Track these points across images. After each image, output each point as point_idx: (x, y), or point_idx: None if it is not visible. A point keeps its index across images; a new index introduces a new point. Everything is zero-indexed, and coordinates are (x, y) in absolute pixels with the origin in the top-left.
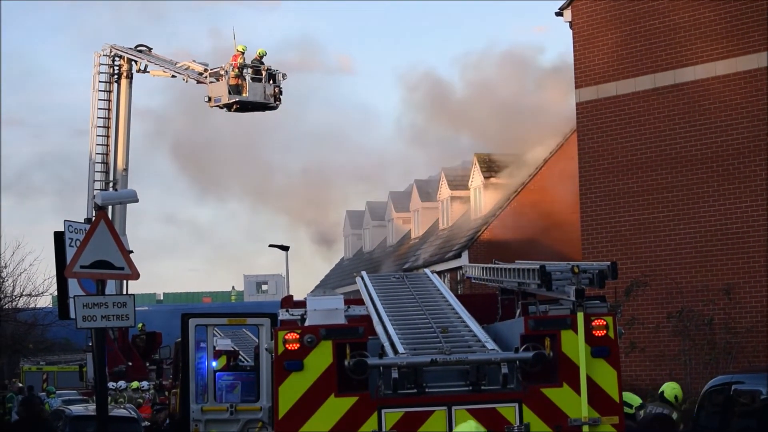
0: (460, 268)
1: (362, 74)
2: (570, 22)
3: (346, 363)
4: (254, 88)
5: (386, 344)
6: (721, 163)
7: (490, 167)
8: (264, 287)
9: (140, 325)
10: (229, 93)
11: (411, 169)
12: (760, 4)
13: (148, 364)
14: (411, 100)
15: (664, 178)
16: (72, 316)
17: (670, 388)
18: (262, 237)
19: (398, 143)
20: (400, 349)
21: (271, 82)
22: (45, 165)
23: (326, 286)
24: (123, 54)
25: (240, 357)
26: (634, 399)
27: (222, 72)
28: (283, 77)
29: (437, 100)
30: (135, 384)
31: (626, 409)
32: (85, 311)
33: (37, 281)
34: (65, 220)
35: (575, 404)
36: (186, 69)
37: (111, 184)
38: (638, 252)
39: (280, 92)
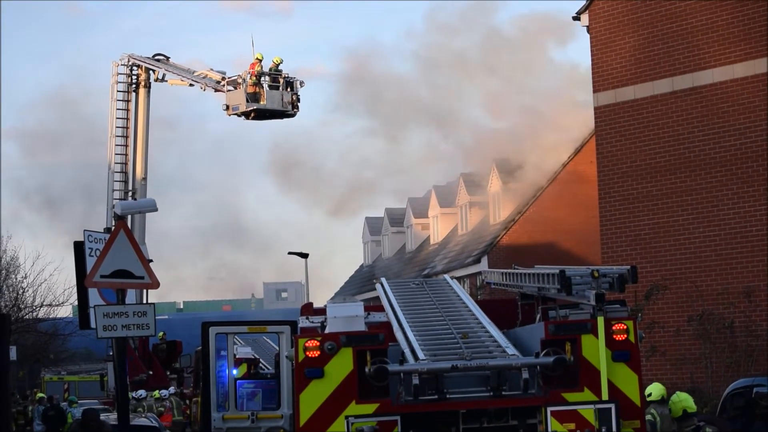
0: (479, 273)
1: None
2: (587, 26)
3: (366, 370)
4: (272, 95)
5: (407, 351)
6: (740, 165)
7: (509, 172)
8: (284, 295)
9: (161, 333)
10: (247, 101)
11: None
12: None
13: (168, 373)
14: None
15: (683, 182)
16: (92, 325)
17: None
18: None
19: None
20: (421, 355)
21: (288, 89)
22: (64, 174)
23: (346, 293)
24: (141, 63)
25: (260, 365)
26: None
27: (239, 80)
28: (300, 85)
29: (456, 105)
30: (156, 393)
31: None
32: (106, 321)
33: (57, 291)
34: (85, 230)
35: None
36: (204, 78)
37: (130, 194)
38: (658, 255)
39: (298, 99)
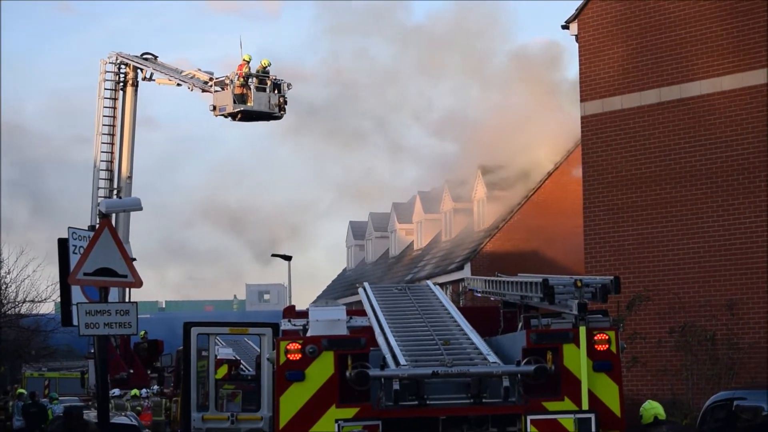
0: (462, 280)
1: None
2: (576, 35)
3: (347, 374)
4: (259, 97)
5: (388, 356)
6: (725, 178)
7: (494, 179)
8: (266, 297)
9: (142, 332)
10: (234, 102)
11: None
12: (767, 20)
13: (149, 372)
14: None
15: (668, 193)
16: (75, 323)
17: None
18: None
19: (401, 155)
20: (402, 360)
21: (275, 91)
22: (49, 171)
23: (328, 296)
24: (129, 62)
25: (242, 366)
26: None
27: (227, 81)
28: (288, 87)
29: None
30: (135, 391)
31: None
32: (88, 318)
33: (40, 288)
34: (69, 227)
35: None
36: (191, 78)
37: (115, 192)
38: (641, 266)
39: (285, 102)
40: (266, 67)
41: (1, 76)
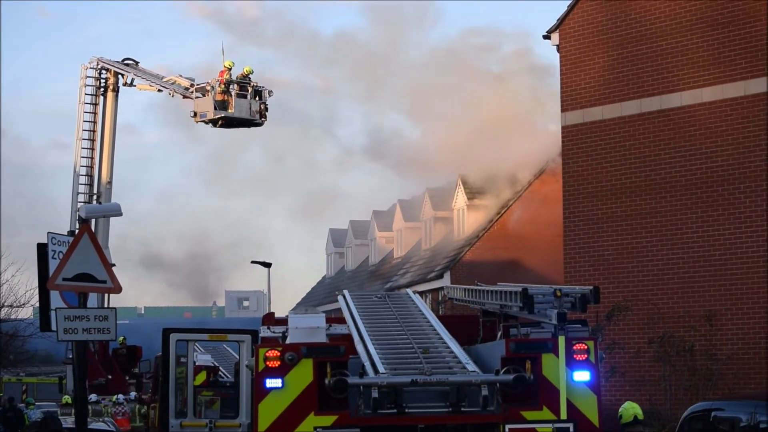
0: (442, 288)
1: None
2: (557, 45)
3: (326, 381)
4: (240, 104)
5: (367, 364)
6: (705, 189)
7: (474, 188)
8: (245, 303)
9: (121, 338)
10: (215, 108)
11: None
12: (747, 32)
13: (128, 378)
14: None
15: (648, 204)
16: (53, 328)
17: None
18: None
19: (380, 162)
20: (381, 368)
21: (257, 98)
22: (27, 176)
23: (308, 303)
24: (110, 67)
25: (220, 373)
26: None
27: (208, 87)
28: (269, 94)
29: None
30: (113, 398)
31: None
32: (67, 324)
33: (18, 292)
34: (48, 232)
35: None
36: (172, 83)
37: (95, 197)
38: (621, 277)
39: (266, 109)
40: (248, 74)
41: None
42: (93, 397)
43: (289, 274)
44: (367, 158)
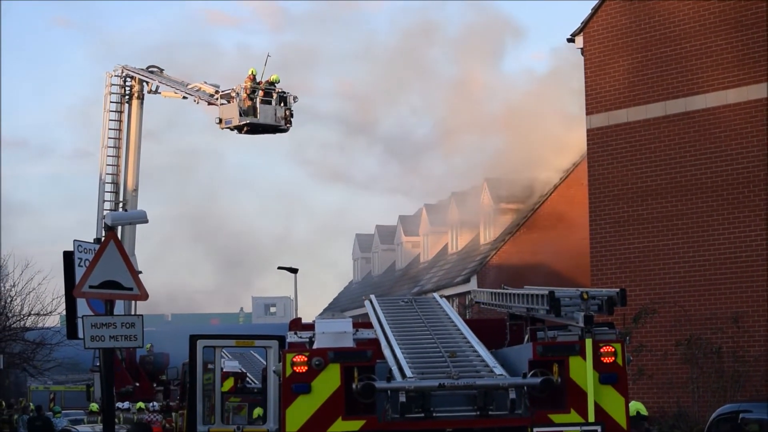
0: (468, 292)
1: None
2: (582, 48)
3: (353, 386)
4: (265, 110)
5: (394, 368)
6: (730, 191)
7: (501, 192)
8: (272, 309)
9: (148, 345)
10: (240, 115)
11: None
12: None
13: (155, 385)
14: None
15: (673, 206)
16: (80, 335)
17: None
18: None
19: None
20: (408, 373)
21: (282, 104)
22: (54, 185)
23: (335, 309)
24: (134, 75)
25: (247, 379)
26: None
27: (233, 94)
28: (294, 100)
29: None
30: (140, 404)
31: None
32: (94, 331)
33: (45, 300)
34: (75, 240)
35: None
36: (197, 90)
37: (121, 205)
38: (647, 279)
39: (291, 114)
40: (275, 82)
41: (1, 84)
42: (126, 404)
43: (315, 279)
44: (393, 160)
